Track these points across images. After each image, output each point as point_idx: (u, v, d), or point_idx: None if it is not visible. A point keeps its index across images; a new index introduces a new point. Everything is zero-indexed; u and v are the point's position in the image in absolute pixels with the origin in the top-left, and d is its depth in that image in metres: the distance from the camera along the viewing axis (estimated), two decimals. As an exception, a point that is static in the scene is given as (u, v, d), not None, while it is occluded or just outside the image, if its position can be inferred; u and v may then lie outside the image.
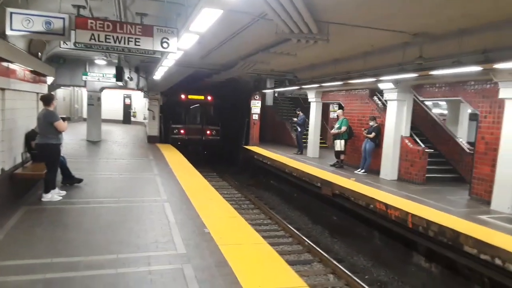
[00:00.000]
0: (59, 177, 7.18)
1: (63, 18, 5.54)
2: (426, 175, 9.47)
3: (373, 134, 10.45)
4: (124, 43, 5.92)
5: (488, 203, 7.38)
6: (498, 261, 5.03)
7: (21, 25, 5.33)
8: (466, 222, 6.22)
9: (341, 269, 7.12)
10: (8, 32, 5.31)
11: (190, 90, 17.75)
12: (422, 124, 11.45)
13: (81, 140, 15.35)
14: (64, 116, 6.98)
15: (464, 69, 6.79)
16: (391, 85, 9.78)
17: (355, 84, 10.97)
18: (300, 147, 14.69)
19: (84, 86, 15.98)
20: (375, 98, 11.67)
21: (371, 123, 10.61)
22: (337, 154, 11.70)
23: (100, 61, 14.70)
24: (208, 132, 17.76)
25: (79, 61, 14.92)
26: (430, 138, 11.09)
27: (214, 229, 5.33)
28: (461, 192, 8.57)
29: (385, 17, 6.13)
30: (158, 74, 12.63)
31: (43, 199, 6.42)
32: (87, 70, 15.18)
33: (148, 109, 17.32)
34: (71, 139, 14.63)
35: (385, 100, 10.58)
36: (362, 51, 8.98)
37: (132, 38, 5.91)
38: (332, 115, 17.13)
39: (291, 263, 6.70)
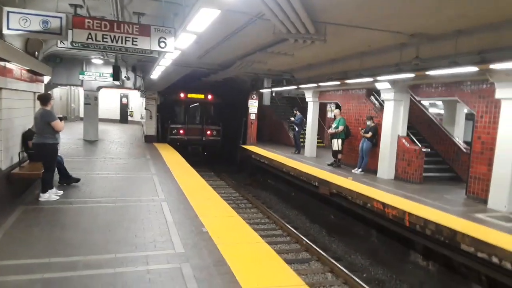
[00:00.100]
0: (56, 176, 7.16)
1: (60, 18, 5.55)
2: (423, 174, 9.53)
3: (370, 134, 10.49)
4: (122, 43, 5.90)
5: (485, 201, 7.44)
6: (495, 259, 5.06)
7: (18, 24, 5.33)
8: (463, 221, 6.26)
9: (339, 267, 7.14)
10: (5, 31, 5.30)
11: (190, 89, 17.31)
12: (419, 123, 11.51)
13: (78, 139, 15.30)
14: (61, 115, 6.95)
15: (461, 69, 6.83)
16: (388, 85, 9.82)
17: (352, 84, 11.00)
18: (297, 146, 14.72)
19: (81, 85, 15.95)
20: (372, 98, 11.70)
21: (368, 122, 10.65)
22: (335, 153, 11.73)
23: (97, 61, 14.67)
24: (208, 132, 17.32)
25: (76, 60, 14.88)
26: (427, 138, 11.14)
27: (212, 229, 5.34)
28: (458, 191, 8.62)
29: (382, 18, 6.16)
30: (155, 74, 12.61)
31: (40, 199, 6.40)
32: (84, 69, 15.15)
33: (145, 109, 17.25)
34: (68, 139, 14.60)
35: (382, 100, 10.61)
36: (359, 51, 9.01)
37: (130, 37, 5.90)
38: (330, 114, 17.17)
39: (289, 262, 6.73)
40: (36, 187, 6.96)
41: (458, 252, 5.75)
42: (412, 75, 8.25)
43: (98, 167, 10.06)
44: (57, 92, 20.20)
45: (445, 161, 10.58)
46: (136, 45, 5.98)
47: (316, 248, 8.10)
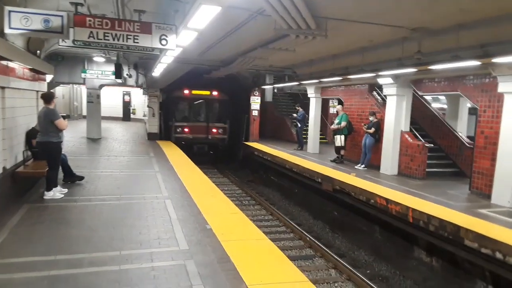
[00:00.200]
0: (60, 175, 7.20)
1: (62, 16, 5.55)
2: (426, 169, 9.50)
3: (372, 129, 10.46)
4: (123, 41, 5.91)
5: (488, 197, 7.42)
6: (499, 255, 5.05)
7: (19, 23, 5.34)
8: (467, 216, 6.25)
9: (343, 264, 7.16)
10: (7, 30, 5.31)
11: (193, 85, 16.80)
12: (421, 118, 11.46)
13: (81, 137, 15.35)
14: (64, 114, 6.99)
15: (463, 63, 6.78)
16: (390, 80, 9.79)
17: (354, 79, 10.97)
18: (300, 142, 14.71)
19: (83, 83, 15.96)
20: (375, 93, 11.66)
21: (371, 118, 10.62)
22: (337, 149, 11.72)
23: (98, 59, 14.69)
24: (214, 130, 16.90)
25: (78, 58, 14.90)
26: (430, 133, 11.10)
27: (215, 225, 5.36)
28: (461, 186, 8.60)
29: (383, 12, 6.12)
30: (157, 71, 12.62)
31: (45, 197, 6.45)
32: (86, 67, 15.17)
33: (148, 106, 17.24)
34: (71, 137, 14.65)
35: (385, 95, 10.58)
36: (361, 46, 8.97)
37: (131, 35, 5.92)
38: (332, 110, 17.12)
39: (292, 259, 6.74)
40: (40, 185, 7.01)
41: (462, 248, 5.74)
42: (414, 69, 8.21)
43: (101, 165, 10.10)
44: (59, 91, 20.23)
45: (448, 156, 10.55)
46: (138, 42, 6.00)
47: (320, 245, 8.12)
